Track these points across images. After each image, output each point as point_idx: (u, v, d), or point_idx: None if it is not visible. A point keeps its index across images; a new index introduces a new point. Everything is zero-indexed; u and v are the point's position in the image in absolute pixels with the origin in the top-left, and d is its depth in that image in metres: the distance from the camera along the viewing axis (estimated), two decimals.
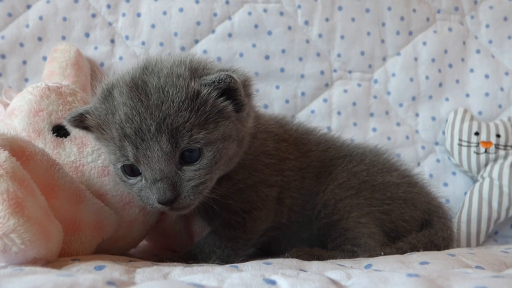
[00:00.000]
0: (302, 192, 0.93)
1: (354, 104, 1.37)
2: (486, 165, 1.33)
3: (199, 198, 0.75)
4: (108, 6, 1.33)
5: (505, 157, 1.33)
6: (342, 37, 1.39)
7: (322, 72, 1.37)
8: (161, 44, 1.33)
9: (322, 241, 0.92)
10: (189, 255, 0.88)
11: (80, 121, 0.77)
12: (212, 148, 0.73)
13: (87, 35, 1.32)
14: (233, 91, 0.74)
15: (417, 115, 1.40)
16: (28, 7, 1.31)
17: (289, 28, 1.37)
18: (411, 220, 0.94)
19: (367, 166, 0.96)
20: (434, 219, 0.97)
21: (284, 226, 0.93)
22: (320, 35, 1.38)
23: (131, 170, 0.74)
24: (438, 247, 0.91)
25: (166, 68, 0.73)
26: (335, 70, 1.39)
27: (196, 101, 0.71)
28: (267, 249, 0.95)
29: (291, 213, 0.93)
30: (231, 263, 0.84)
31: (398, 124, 1.39)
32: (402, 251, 0.85)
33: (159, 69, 0.74)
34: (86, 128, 0.78)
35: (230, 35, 1.35)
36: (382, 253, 0.83)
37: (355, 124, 1.37)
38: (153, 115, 0.69)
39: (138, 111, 0.70)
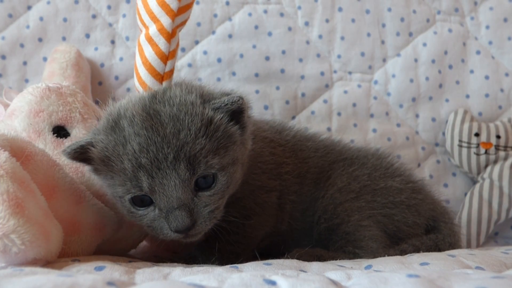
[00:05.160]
0: (301, 198, 0.93)
1: (354, 105, 1.37)
2: (486, 166, 1.33)
3: (213, 223, 0.75)
4: (109, 7, 1.33)
5: (505, 158, 1.33)
6: (342, 38, 1.39)
7: (322, 73, 1.38)
8: None
9: (323, 245, 0.91)
10: (190, 256, 0.88)
11: (81, 153, 0.76)
12: (225, 173, 0.74)
13: (87, 36, 1.32)
14: (240, 113, 0.76)
15: (417, 116, 1.40)
16: (29, 8, 1.31)
17: (289, 29, 1.37)
18: (415, 226, 0.93)
19: (369, 170, 0.95)
20: (441, 225, 0.96)
21: (284, 233, 0.93)
22: (320, 36, 1.38)
23: (140, 201, 0.73)
24: None
25: (177, 97, 0.74)
26: (335, 71, 1.39)
27: (210, 127, 0.72)
28: (267, 252, 0.95)
29: (292, 220, 0.93)
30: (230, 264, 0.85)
31: (398, 125, 1.39)
32: (405, 254, 0.84)
33: (169, 97, 0.74)
34: (84, 159, 0.76)
35: (230, 36, 1.35)
36: (386, 256, 0.83)
37: (355, 125, 1.37)
38: (171, 144, 0.69)
39: (154, 140, 0.69)
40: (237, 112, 0.76)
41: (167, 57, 0.79)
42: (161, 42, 0.78)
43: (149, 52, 0.78)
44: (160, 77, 0.78)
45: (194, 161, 0.70)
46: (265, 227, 0.89)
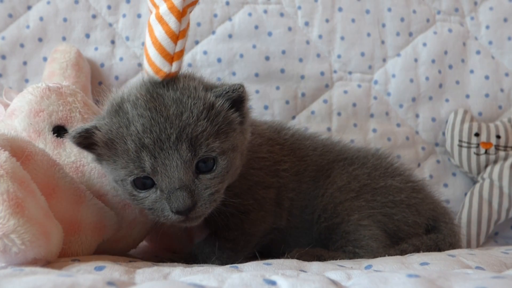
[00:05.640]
0: (300, 196, 0.93)
1: (354, 105, 1.37)
2: (486, 166, 1.33)
3: (213, 206, 0.76)
4: (109, 7, 1.33)
5: (505, 158, 1.33)
6: (342, 38, 1.39)
7: (322, 73, 1.38)
8: None
9: (323, 244, 0.92)
10: (189, 256, 0.88)
11: (85, 138, 0.76)
12: (226, 157, 0.75)
13: (87, 36, 1.32)
14: (240, 102, 0.78)
15: (417, 116, 1.40)
16: (29, 8, 1.31)
17: (289, 29, 1.37)
18: (415, 225, 0.93)
19: (369, 170, 0.95)
20: (442, 225, 0.96)
21: (283, 230, 0.93)
22: (320, 36, 1.38)
23: (142, 184, 0.74)
24: None
25: (180, 82, 0.76)
26: (335, 71, 1.39)
27: (211, 111, 0.74)
28: (267, 252, 0.95)
29: (290, 217, 0.93)
30: (231, 264, 0.85)
31: (398, 125, 1.39)
32: (406, 253, 0.84)
33: (172, 82, 0.76)
34: (87, 146, 0.77)
35: (230, 36, 1.35)
36: (387, 255, 0.83)
37: (355, 125, 1.37)
38: (173, 125, 0.71)
39: (158, 121, 0.71)
40: (237, 101, 0.78)
41: (178, 36, 0.76)
42: (172, 21, 0.76)
43: (159, 31, 0.76)
44: (170, 57, 0.75)
45: (196, 143, 0.72)
46: (264, 223, 0.90)
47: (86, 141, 0.77)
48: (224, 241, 0.87)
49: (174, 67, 0.76)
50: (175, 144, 0.71)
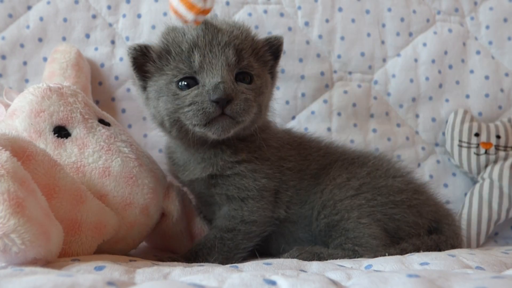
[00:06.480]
0: (299, 193, 0.95)
1: (354, 105, 1.37)
2: (486, 166, 1.33)
3: (245, 114, 0.83)
4: (109, 7, 1.33)
5: (505, 158, 1.33)
6: (342, 38, 1.39)
7: (322, 73, 1.38)
8: None
9: (324, 242, 0.92)
10: (190, 253, 0.89)
11: (142, 54, 0.87)
12: (260, 80, 0.89)
13: (87, 36, 1.32)
14: (277, 56, 0.94)
15: (417, 116, 1.40)
16: (29, 8, 1.31)
17: (289, 29, 1.37)
18: (416, 226, 0.93)
19: (369, 169, 0.96)
20: (444, 226, 0.96)
21: (282, 223, 0.94)
22: (320, 36, 1.39)
23: (185, 85, 0.84)
24: None
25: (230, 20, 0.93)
26: (335, 71, 1.39)
27: (254, 43, 0.90)
28: (266, 251, 0.96)
29: (289, 210, 0.94)
30: (232, 258, 0.87)
31: (398, 125, 1.39)
32: (406, 252, 0.85)
33: (223, 21, 0.91)
34: (140, 67, 0.88)
35: None
36: (387, 254, 0.83)
37: (355, 125, 1.37)
38: (224, 35, 0.85)
39: (211, 31, 0.85)
40: (275, 52, 0.94)
41: None
42: None
43: None
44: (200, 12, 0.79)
45: (240, 54, 0.85)
46: (263, 211, 0.92)
47: (141, 58, 0.88)
48: (225, 232, 0.89)
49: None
50: (223, 48, 0.83)
